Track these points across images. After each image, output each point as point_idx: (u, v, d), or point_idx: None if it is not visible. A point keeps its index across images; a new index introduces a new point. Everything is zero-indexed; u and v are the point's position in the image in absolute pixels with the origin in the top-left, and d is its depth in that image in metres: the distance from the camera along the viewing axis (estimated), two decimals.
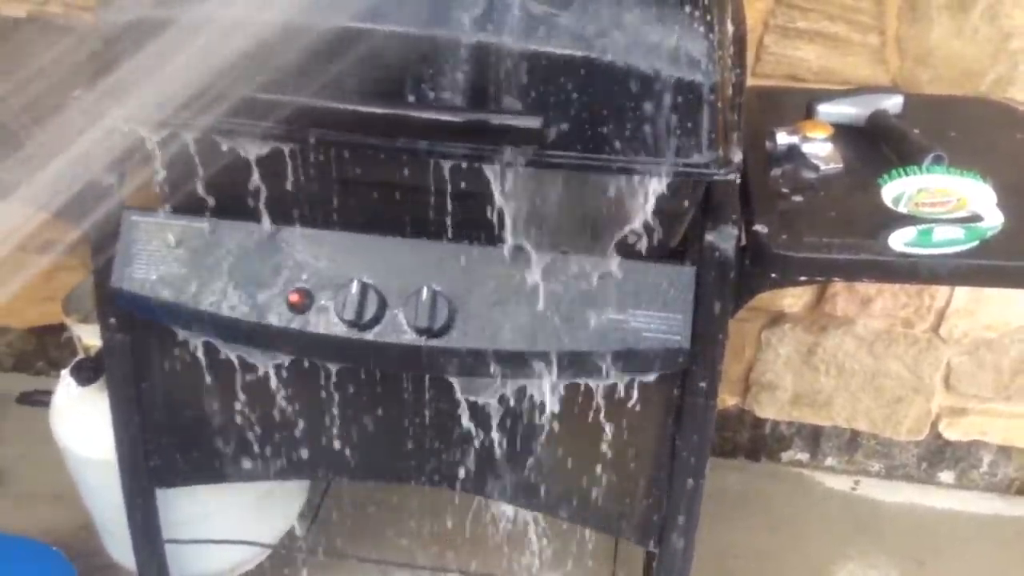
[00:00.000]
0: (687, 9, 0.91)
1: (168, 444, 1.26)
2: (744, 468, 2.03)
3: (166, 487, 1.31)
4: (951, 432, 1.93)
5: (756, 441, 2.02)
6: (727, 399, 1.96)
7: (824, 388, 1.90)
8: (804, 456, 2.03)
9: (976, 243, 1.01)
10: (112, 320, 1.15)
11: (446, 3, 0.90)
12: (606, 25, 0.90)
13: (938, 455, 1.98)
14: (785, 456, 2.04)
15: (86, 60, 1.00)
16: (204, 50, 0.92)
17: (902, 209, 1.02)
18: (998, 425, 1.92)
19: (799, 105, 1.27)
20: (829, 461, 2.03)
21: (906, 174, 1.01)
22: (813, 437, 2.00)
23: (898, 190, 1.01)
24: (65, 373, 1.42)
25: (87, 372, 1.37)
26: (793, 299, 1.81)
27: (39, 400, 1.53)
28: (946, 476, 2.01)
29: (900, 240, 1.01)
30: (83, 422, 1.40)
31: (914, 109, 1.28)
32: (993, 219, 1.01)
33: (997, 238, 1.02)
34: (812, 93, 1.30)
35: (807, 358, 1.87)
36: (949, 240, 1.01)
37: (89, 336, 1.37)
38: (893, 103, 1.27)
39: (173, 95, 0.95)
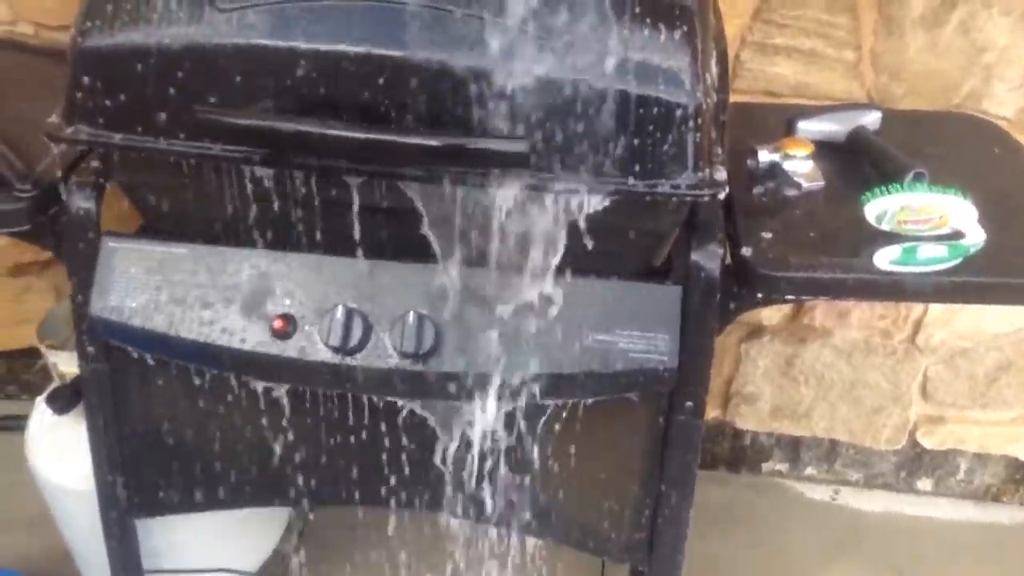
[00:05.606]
0: (670, 29, 0.91)
1: (147, 474, 1.24)
2: (725, 480, 2.03)
3: (145, 517, 1.28)
4: (928, 440, 1.95)
5: (737, 452, 2.03)
6: (708, 411, 1.95)
7: (803, 399, 1.91)
8: (784, 467, 2.04)
9: (959, 260, 1.02)
10: (90, 349, 1.13)
11: (429, 27, 0.90)
12: (590, 47, 0.90)
13: (916, 463, 2.00)
14: (765, 467, 2.04)
15: (61, 81, 0.97)
16: (183, 73, 0.91)
17: (885, 227, 1.02)
18: (974, 433, 1.93)
19: (777, 121, 1.28)
20: (809, 471, 2.04)
21: (888, 192, 1.01)
22: (793, 448, 2.01)
23: (881, 208, 1.02)
24: (40, 401, 1.40)
25: (63, 400, 1.34)
26: (772, 311, 1.82)
27: (9, 426, 1.51)
28: (924, 484, 2.03)
29: (885, 259, 1.01)
30: (59, 451, 1.37)
31: (892, 125, 1.29)
32: (975, 236, 1.02)
33: (979, 255, 1.02)
34: (790, 109, 1.31)
35: (786, 370, 1.88)
36: (933, 258, 1.01)
37: (65, 363, 1.35)
38: (872, 119, 1.28)
39: (152, 119, 0.93)
